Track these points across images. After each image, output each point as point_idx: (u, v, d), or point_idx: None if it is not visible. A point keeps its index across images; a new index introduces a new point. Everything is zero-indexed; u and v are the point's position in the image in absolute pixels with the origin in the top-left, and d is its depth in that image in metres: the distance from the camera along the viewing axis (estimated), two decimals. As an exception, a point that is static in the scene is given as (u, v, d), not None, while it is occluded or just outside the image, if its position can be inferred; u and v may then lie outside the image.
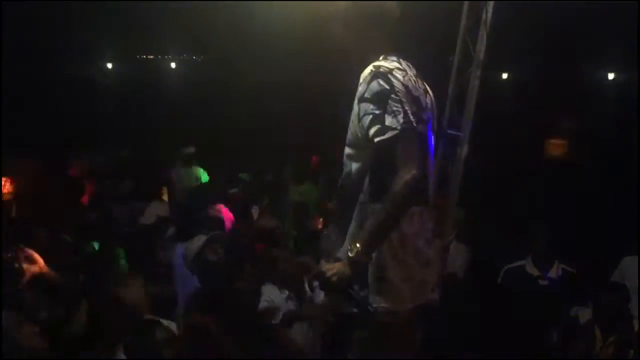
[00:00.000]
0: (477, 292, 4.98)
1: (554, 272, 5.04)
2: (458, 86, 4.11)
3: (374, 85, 2.48)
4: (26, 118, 10.82)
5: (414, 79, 2.59)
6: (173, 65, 18.63)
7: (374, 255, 2.50)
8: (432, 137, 2.69)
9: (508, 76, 14.99)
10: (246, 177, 7.96)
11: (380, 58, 2.59)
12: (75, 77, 15.17)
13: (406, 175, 2.38)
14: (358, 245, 2.44)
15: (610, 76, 13.57)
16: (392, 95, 2.44)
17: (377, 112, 2.45)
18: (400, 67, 2.56)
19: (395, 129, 2.41)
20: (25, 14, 10.65)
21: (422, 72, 2.74)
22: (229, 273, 4.20)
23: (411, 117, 2.44)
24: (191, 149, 8.63)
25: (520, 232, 5.79)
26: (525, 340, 4.26)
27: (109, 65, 17.76)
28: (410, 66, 2.65)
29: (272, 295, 4.30)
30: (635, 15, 5.32)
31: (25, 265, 2.80)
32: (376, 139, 2.45)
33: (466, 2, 4.03)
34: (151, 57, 19.30)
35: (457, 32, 4.08)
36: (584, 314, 4.37)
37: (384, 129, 2.43)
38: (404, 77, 2.52)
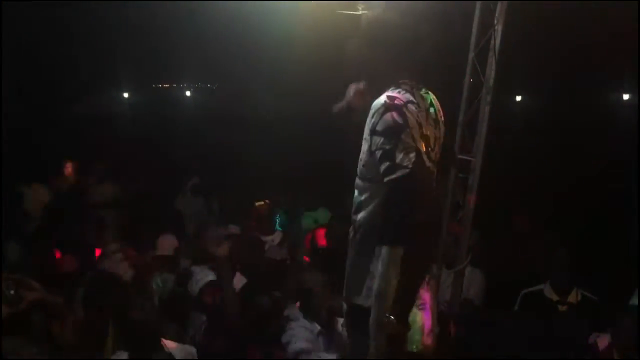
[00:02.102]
0: (494, 317, 4.91)
1: (573, 298, 4.98)
2: (468, 111, 4.10)
3: (387, 118, 2.41)
4: (41, 147, 10.97)
5: (424, 113, 2.54)
6: (188, 93, 18.87)
7: (373, 302, 2.44)
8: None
9: (522, 99, 15.04)
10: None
11: (392, 88, 2.54)
12: (91, 107, 15.38)
13: (415, 215, 2.31)
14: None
15: (625, 97, 13.57)
16: (406, 130, 2.39)
17: (387, 147, 2.39)
18: (413, 100, 2.51)
19: (406, 167, 2.35)
20: (42, 44, 10.86)
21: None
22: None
23: (423, 155, 2.40)
24: (196, 179, 8.64)
25: (537, 256, 5.74)
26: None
27: (125, 95, 18.01)
28: (423, 95, 2.59)
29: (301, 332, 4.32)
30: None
31: (23, 292, 2.84)
32: (386, 178, 2.39)
33: (475, 28, 4.03)
34: (166, 85, 19.59)
35: (466, 57, 4.08)
36: (603, 341, 4.30)
37: (394, 167, 2.37)
38: (418, 111, 2.48)
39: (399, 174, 2.35)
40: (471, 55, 4.03)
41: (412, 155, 2.36)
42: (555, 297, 4.99)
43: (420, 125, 2.45)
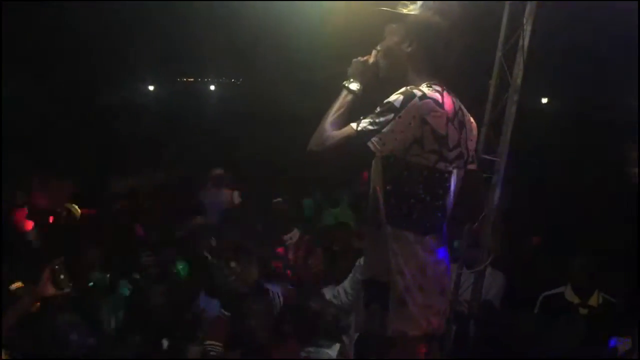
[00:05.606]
0: (514, 319, 4.89)
1: (594, 301, 4.94)
2: (495, 111, 4.08)
3: (393, 97, 2.45)
4: (67, 140, 11.11)
5: (451, 115, 2.57)
6: (212, 87, 18.98)
7: (398, 279, 2.53)
8: (459, 172, 2.67)
9: (548, 101, 14.92)
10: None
11: (425, 84, 2.57)
12: (117, 100, 15.52)
13: (330, 140, 2.47)
14: None
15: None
16: (391, 114, 2.42)
17: (369, 113, 2.47)
18: (438, 98, 2.53)
19: (357, 126, 2.44)
20: (68, 38, 10.99)
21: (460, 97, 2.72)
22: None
23: (385, 138, 2.43)
24: (220, 171, 8.67)
25: (559, 259, 5.70)
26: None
27: (151, 88, 18.16)
28: (454, 100, 2.62)
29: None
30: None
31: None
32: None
33: (503, 27, 4.02)
34: (191, 79, 19.72)
35: (494, 57, 4.07)
36: (624, 344, 4.27)
37: (357, 121, 2.46)
38: (431, 111, 2.48)
39: (352, 124, 2.47)
40: (499, 54, 4.01)
41: (370, 128, 2.42)
42: (576, 300, 4.96)
43: (424, 121, 2.45)
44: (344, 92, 2.66)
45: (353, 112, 2.62)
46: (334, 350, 3.99)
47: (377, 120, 2.42)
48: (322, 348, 3.93)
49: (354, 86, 2.67)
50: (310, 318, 4.06)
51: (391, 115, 2.42)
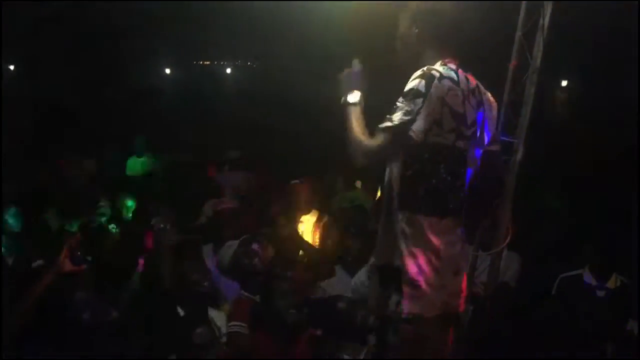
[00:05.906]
0: (530, 301, 4.89)
1: (612, 283, 4.92)
2: (514, 92, 4.04)
3: (415, 82, 2.52)
4: (85, 121, 11.21)
5: (466, 92, 2.58)
6: (228, 70, 19.00)
7: (410, 261, 2.55)
8: (478, 151, 2.68)
9: (567, 83, 14.76)
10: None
11: (439, 63, 2.61)
12: (134, 82, 15.58)
13: (373, 147, 2.56)
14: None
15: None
16: (419, 99, 2.47)
17: (398, 104, 2.53)
18: (453, 77, 2.55)
19: (393, 122, 2.51)
20: (86, 21, 11.04)
21: (477, 77, 2.73)
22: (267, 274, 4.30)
23: (419, 124, 2.48)
24: (236, 153, 8.68)
25: (576, 241, 5.67)
26: (579, 352, 4.15)
27: (167, 71, 18.22)
28: (469, 78, 2.64)
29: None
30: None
31: None
32: (379, 126, 2.57)
33: (523, 7, 3.96)
34: (207, 63, 19.76)
35: (514, 37, 4.02)
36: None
37: (386, 120, 2.54)
38: (449, 90, 2.51)
39: (385, 124, 2.53)
40: (518, 34, 3.96)
41: (407, 118, 2.48)
42: (594, 282, 4.94)
43: (444, 103, 2.51)
44: (349, 108, 2.70)
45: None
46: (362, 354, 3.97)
47: (408, 109, 2.50)
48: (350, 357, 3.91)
49: (353, 98, 2.73)
50: (339, 321, 4.05)
51: (420, 100, 2.49)
